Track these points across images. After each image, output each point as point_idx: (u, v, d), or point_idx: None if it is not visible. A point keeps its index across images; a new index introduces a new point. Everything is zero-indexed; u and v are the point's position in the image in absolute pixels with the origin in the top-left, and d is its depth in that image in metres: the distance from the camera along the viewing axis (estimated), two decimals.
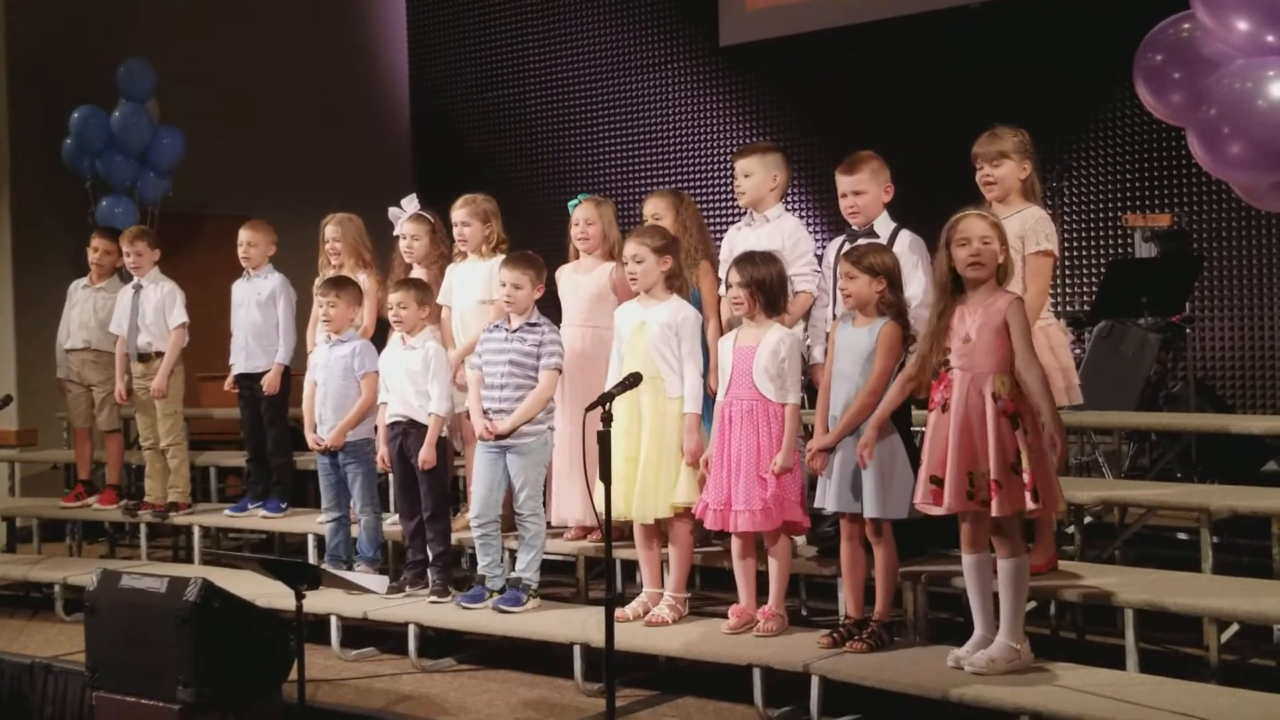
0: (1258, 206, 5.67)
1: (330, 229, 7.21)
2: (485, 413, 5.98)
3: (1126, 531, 6.16)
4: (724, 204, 10.84)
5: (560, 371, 6.02)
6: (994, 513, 4.59)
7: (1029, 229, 5.16)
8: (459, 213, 6.63)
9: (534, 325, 6.01)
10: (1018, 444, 4.59)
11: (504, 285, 6.01)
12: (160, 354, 7.76)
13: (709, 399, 5.77)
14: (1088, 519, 6.29)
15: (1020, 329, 4.65)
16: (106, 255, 8.25)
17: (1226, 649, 4.96)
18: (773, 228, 5.84)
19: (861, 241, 5.41)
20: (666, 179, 11.14)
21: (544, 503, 6.09)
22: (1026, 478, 4.56)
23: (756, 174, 5.88)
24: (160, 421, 7.79)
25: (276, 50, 11.64)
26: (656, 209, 6.11)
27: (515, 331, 6.01)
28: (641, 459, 5.61)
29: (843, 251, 5.34)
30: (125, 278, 8.37)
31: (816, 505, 5.30)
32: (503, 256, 6.36)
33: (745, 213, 6.05)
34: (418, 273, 6.77)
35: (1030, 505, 4.58)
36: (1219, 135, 3.54)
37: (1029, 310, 5.05)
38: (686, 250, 5.98)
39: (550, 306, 6.49)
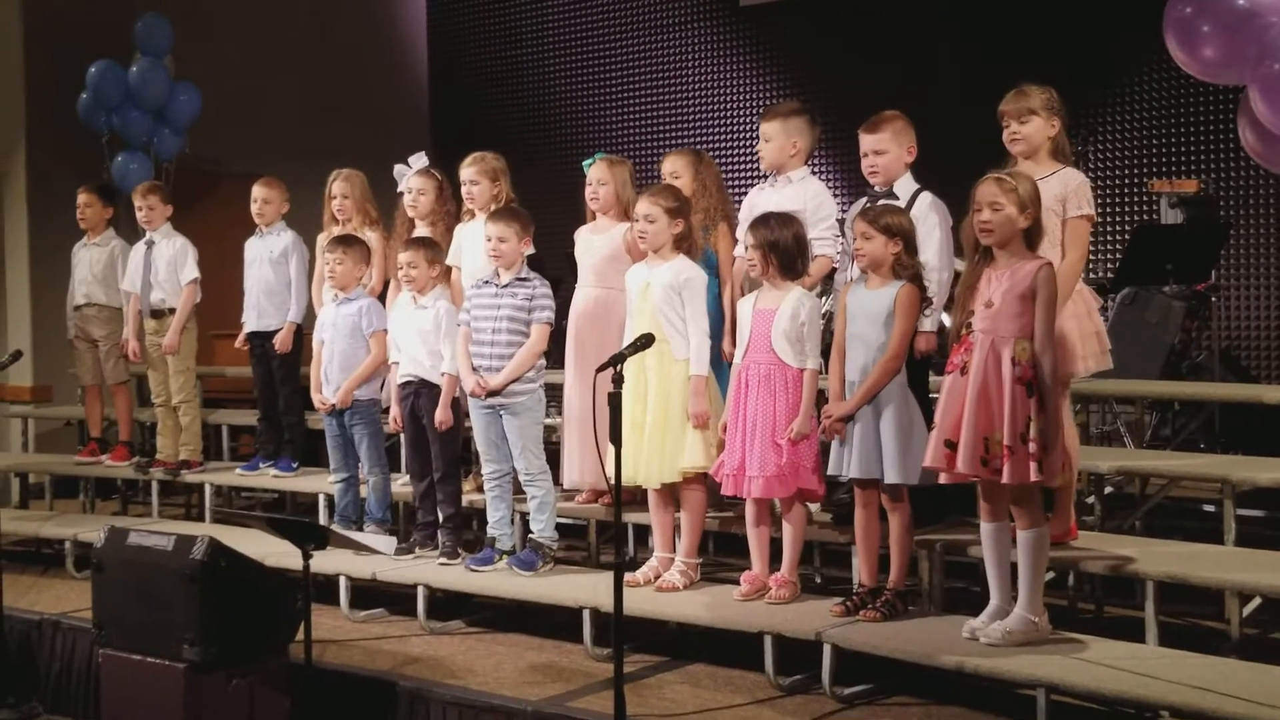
0: (1275, 171, 5.55)
1: (339, 185, 7.13)
2: (476, 369, 5.92)
3: (1148, 502, 6.07)
4: (744, 165, 10.73)
5: (551, 326, 5.96)
6: (1004, 480, 4.51)
7: (1071, 192, 5.03)
8: (467, 170, 6.53)
9: (524, 280, 5.95)
10: (1029, 412, 4.49)
11: (489, 239, 5.94)
12: (173, 310, 7.72)
13: (725, 362, 5.69)
14: (1108, 489, 6.20)
15: (1046, 299, 4.53)
16: (89, 209, 8.21)
17: (1249, 623, 4.92)
18: (795, 189, 5.72)
19: (865, 203, 5.32)
20: (686, 140, 11.02)
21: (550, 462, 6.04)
22: (1033, 447, 4.47)
23: (775, 139, 5.75)
24: (172, 379, 7.75)
25: (293, 7, 11.55)
26: (675, 167, 6.02)
27: (505, 287, 5.94)
28: (648, 423, 5.53)
29: (858, 211, 5.24)
30: (121, 232, 8.34)
31: (832, 472, 5.21)
32: None
33: (765, 175, 5.95)
34: (421, 229, 6.68)
35: (1034, 476, 4.48)
36: None
37: (1068, 276, 4.95)
38: (706, 211, 5.91)
39: (553, 266, 6.43)
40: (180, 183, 9.82)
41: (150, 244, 7.83)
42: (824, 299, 5.69)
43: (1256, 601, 4.90)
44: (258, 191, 7.58)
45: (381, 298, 6.77)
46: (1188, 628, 5.30)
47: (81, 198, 8.24)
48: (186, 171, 10.29)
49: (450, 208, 6.74)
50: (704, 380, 5.53)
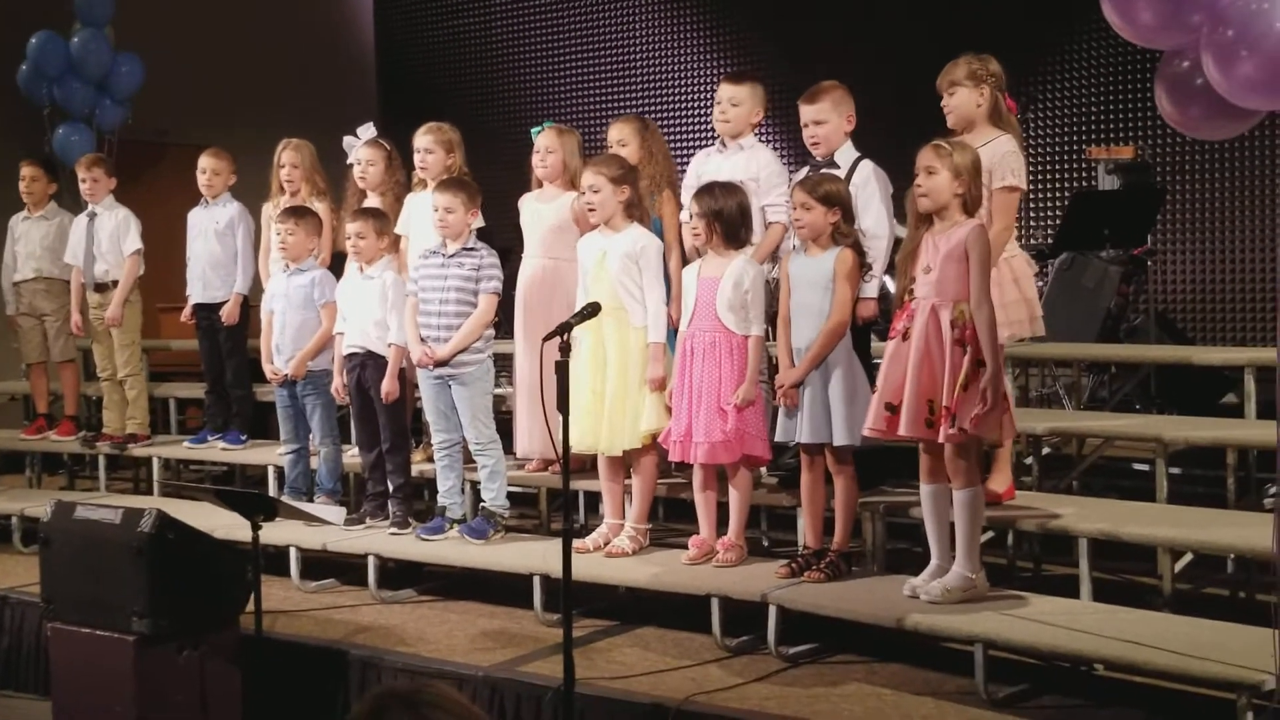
0: (1192, 135, 5.67)
1: (288, 154, 7.09)
2: (424, 340, 5.95)
3: (1084, 462, 6.19)
4: (693, 132, 10.76)
5: (499, 295, 5.98)
6: (940, 438, 4.60)
7: (996, 162, 5.12)
8: (422, 139, 6.50)
9: (471, 250, 5.97)
10: (966, 371, 4.58)
11: (436, 210, 5.96)
12: (116, 283, 7.66)
13: (672, 330, 5.75)
14: (1046, 450, 6.32)
15: (979, 259, 4.62)
16: (35, 183, 8.15)
17: (1180, 578, 5.01)
18: (747, 156, 5.75)
19: (807, 172, 5.39)
20: (634, 107, 11.01)
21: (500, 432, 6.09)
22: (974, 407, 4.55)
23: (745, 105, 5.74)
24: (117, 352, 7.71)
25: None
26: (621, 135, 6.03)
27: (452, 257, 5.96)
28: (608, 391, 5.58)
29: (796, 181, 5.30)
30: (64, 204, 8.28)
31: (781, 439, 5.29)
32: None
33: (713, 140, 5.97)
34: (372, 200, 6.68)
35: (969, 429, 4.56)
36: (1236, 57, 3.54)
37: (993, 246, 5.03)
38: (651, 178, 5.92)
39: (501, 236, 6.42)
40: (123, 154, 9.74)
41: (93, 216, 7.76)
42: (769, 266, 5.74)
43: (1188, 557, 5.02)
44: (206, 163, 7.52)
45: (333, 269, 6.76)
46: (1122, 584, 5.43)
47: (26, 171, 8.16)
48: (129, 143, 10.20)
49: (400, 177, 6.72)
50: (662, 347, 5.57)
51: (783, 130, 9.32)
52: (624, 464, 5.74)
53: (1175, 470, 5.65)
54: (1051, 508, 5.23)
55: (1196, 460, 6.18)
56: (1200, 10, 3.77)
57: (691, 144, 10.37)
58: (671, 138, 10.60)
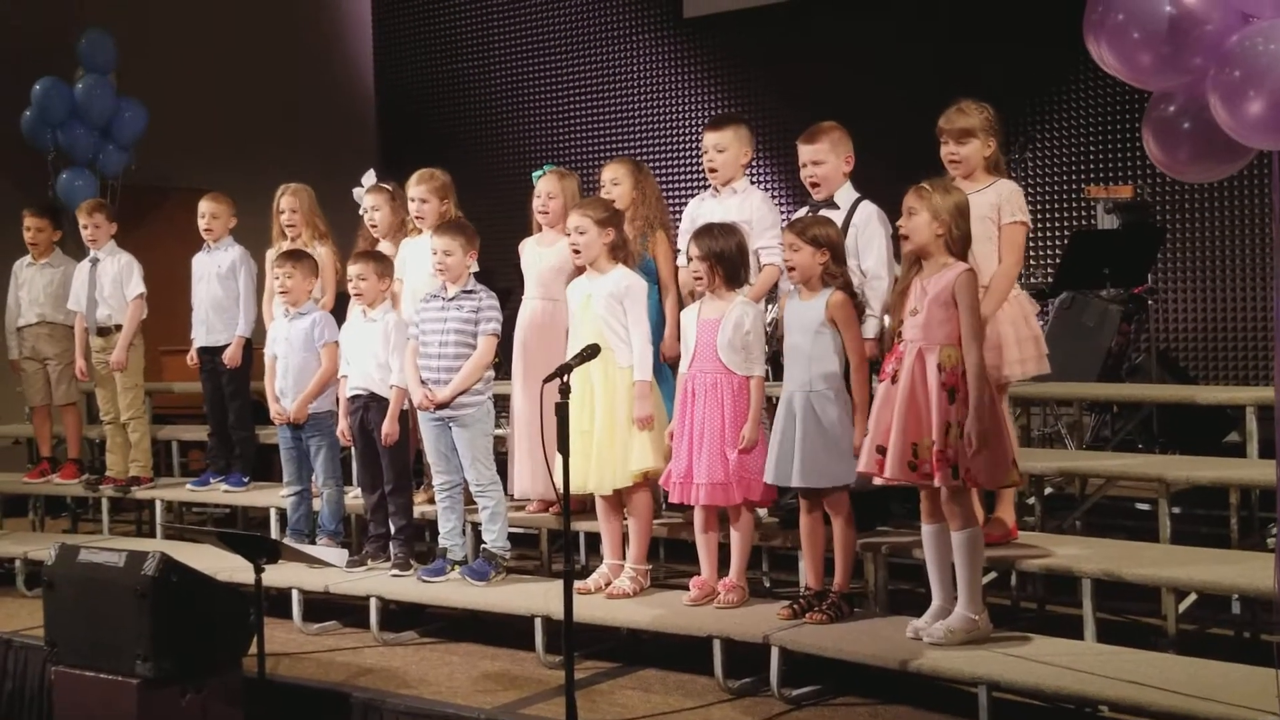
0: (1180, 178, 5.72)
1: (287, 200, 7.16)
2: (424, 382, 5.97)
3: (1086, 502, 6.19)
4: (689, 176, 10.82)
5: (498, 337, 6.01)
6: (935, 484, 4.61)
7: (1004, 200, 5.16)
8: (417, 189, 6.53)
9: (470, 292, 6.00)
10: (951, 417, 4.59)
11: (435, 253, 6.00)
12: (119, 327, 7.70)
13: (670, 368, 5.77)
14: (1048, 490, 6.32)
15: (968, 303, 4.64)
16: (39, 233, 8.21)
17: (1185, 619, 4.99)
18: (740, 200, 5.79)
19: (805, 214, 5.41)
20: (631, 151, 11.10)
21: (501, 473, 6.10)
22: (952, 452, 4.56)
23: (731, 149, 5.78)
24: (120, 395, 7.73)
25: (238, 21, 11.54)
26: (615, 175, 6.07)
27: (452, 300, 5.99)
28: (596, 431, 5.60)
29: (788, 224, 5.33)
30: (69, 252, 8.32)
31: (771, 481, 5.27)
32: None
33: (707, 184, 6.01)
34: (385, 247, 6.72)
35: (953, 480, 4.58)
36: (1244, 97, 3.58)
37: (1002, 280, 5.07)
38: (644, 219, 5.97)
39: (503, 278, 6.43)
40: (126, 199, 9.80)
41: (95, 261, 7.81)
42: (768, 307, 5.77)
43: (1192, 598, 5.00)
44: (205, 207, 7.58)
45: (336, 312, 6.79)
46: (1126, 624, 5.42)
47: (32, 221, 8.22)
48: (132, 188, 10.26)
49: (406, 216, 6.76)
50: (648, 385, 5.60)
51: (782, 171, 9.39)
52: (621, 504, 5.74)
53: (1178, 510, 5.64)
54: (1054, 548, 5.22)
55: (1199, 500, 6.17)
56: (1202, 52, 3.80)
57: (691, 185, 10.46)
58: (671, 179, 10.72)
